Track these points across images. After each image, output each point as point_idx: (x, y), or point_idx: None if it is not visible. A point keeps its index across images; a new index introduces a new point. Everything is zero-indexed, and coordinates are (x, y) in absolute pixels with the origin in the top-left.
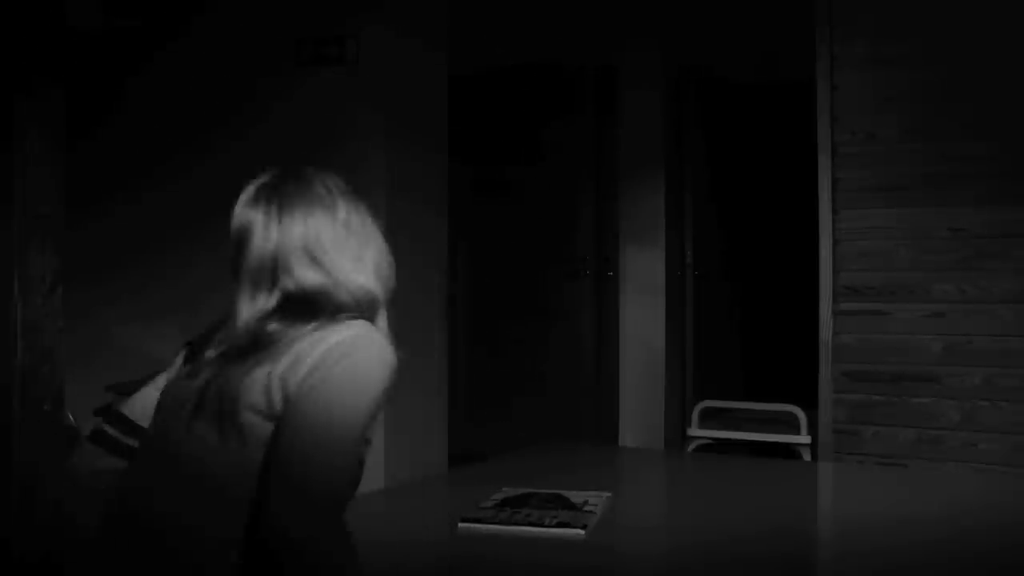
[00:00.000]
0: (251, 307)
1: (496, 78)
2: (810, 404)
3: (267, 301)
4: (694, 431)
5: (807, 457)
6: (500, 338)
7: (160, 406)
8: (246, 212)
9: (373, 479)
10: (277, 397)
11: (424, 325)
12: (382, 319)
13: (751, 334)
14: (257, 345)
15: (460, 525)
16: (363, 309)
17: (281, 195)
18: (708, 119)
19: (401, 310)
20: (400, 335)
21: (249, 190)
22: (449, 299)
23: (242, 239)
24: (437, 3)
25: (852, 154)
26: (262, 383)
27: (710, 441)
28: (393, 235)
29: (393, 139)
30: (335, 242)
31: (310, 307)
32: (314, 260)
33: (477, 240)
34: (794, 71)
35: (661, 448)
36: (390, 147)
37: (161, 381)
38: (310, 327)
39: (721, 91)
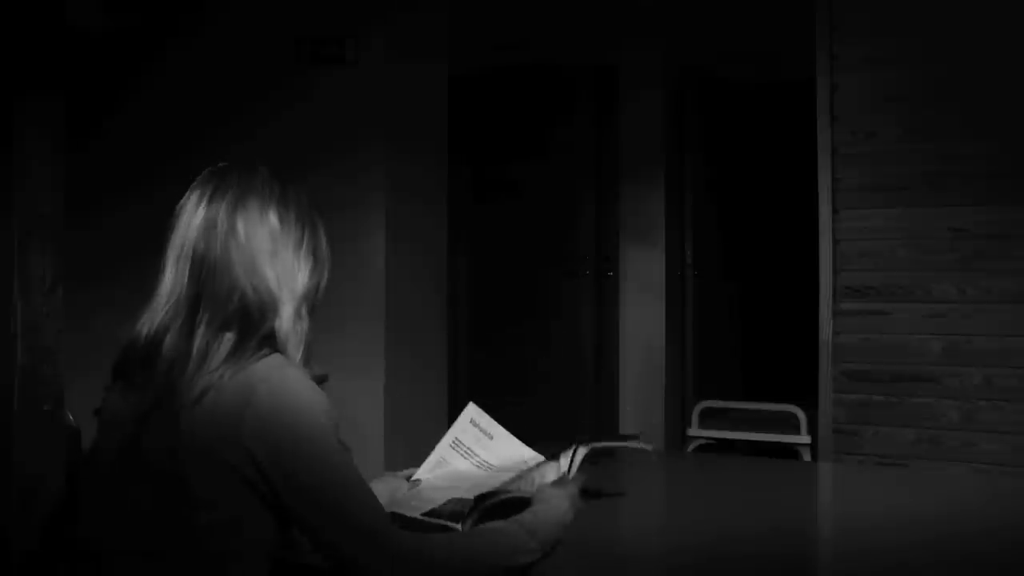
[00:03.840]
0: (171, 282)
1: (496, 78)
2: (810, 404)
3: (183, 282)
4: (694, 431)
5: (807, 457)
6: (500, 338)
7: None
8: (187, 193)
9: (373, 479)
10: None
11: (424, 325)
12: (287, 319)
13: (751, 334)
14: (172, 378)
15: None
16: (257, 309)
17: (220, 179)
18: (708, 119)
19: (401, 310)
20: (400, 335)
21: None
22: (449, 299)
23: (175, 215)
24: (437, 3)
25: (852, 154)
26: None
27: (710, 441)
28: (393, 236)
29: (393, 139)
30: (259, 236)
31: (217, 303)
32: (230, 239)
33: (477, 240)
34: (794, 71)
35: (661, 448)
36: (389, 147)
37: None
38: (225, 357)
39: (721, 91)
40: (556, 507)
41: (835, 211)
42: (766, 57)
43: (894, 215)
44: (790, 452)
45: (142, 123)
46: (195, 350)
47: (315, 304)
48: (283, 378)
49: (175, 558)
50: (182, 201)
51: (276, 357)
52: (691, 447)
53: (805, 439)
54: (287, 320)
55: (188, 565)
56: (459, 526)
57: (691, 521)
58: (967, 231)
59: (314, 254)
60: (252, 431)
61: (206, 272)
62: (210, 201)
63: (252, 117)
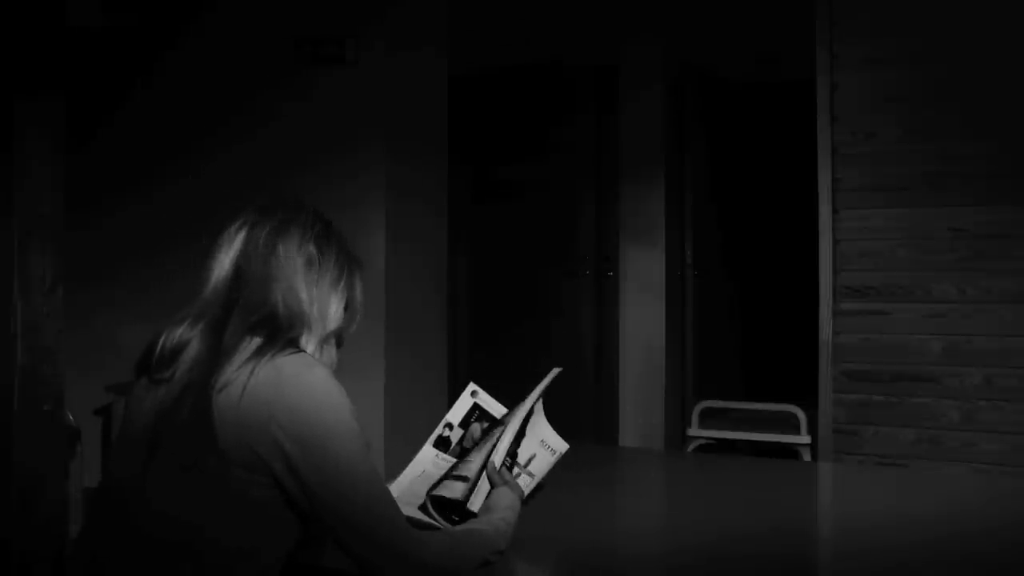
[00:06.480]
0: (210, 292)
1: (496, 78)
2: (810, 404)
3: (222, 291)
4: (694, 431)
5: (807, 457)
6: (500, 338)
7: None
8: (230, 224)
9: None
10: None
11: (424, 325)
12: (312, 343)
13: (751, 334)
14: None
15: None
16: (286, 320)
17: (263, 211)
18: (709, 118)
19: (401, 310)
20: (400, 335)
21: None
22: (449, 299)
23: (216, 241)
24: (437, 3)
25: (852, 154)
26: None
27: (710, 441)
28: (393, 236)
29: (392, 139)
30: (298, 260)
31: (249, 309)
32: (271, 257)
33: (477, 240)
34: (794, 71)
35: (661, 448)
36: (389, 147)
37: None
38: (252, 354)
39: (722, 90)
40: (512, 507)
41: (835, 211)
42: (766, 57)
43: (894, 215)
44: (790, 452)
45: (142, 123)
46: (222, 347)
47: (338, 344)
48: (312, 376)
49: (196, 552)
50: (224, 231)
51: (304, 355)
52: (691, 447)
53: (805, 439)
54: (312, 346)
55: (208, 559)
56: (431, 519)
57: (691, 521)
58: (967, 231)
59: (348, 296)
60: (281, 424)
61: (243, 283)
62: (252, 227)
63: (252, 117)
